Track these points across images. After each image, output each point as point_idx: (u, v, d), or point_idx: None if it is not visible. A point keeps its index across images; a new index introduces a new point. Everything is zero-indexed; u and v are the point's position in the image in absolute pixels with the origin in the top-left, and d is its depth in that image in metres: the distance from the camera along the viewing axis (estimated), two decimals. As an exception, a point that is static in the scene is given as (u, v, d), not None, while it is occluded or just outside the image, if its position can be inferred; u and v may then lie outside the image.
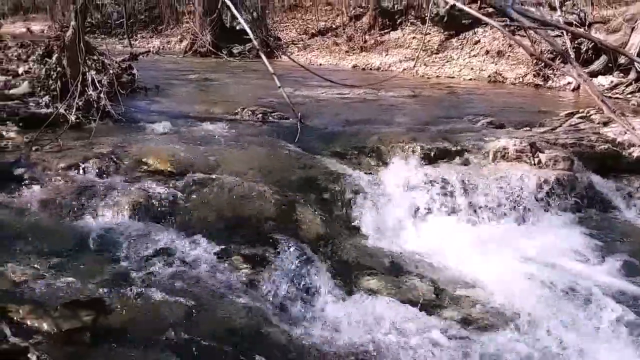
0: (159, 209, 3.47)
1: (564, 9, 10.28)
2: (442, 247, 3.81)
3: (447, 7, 11.83)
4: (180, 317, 2.52)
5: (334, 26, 16.46)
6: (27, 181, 3.54)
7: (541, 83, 9.73)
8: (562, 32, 9.25)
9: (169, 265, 2.87)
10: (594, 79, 8.20)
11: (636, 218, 4.49)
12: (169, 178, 3.84)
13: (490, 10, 11.70)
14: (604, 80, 8.34)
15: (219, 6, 14.25)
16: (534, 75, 9.92)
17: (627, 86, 7.96)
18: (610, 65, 8.51)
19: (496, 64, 11.10)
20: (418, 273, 3.50)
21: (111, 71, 5.85)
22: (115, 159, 3.95)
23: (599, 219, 4.39)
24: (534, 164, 4.66)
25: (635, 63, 7.80)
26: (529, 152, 4.73)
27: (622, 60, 8.31)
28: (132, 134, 4.72)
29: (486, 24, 12.16)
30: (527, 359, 2.68)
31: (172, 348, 2.33)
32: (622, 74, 8.35)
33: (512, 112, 6.75)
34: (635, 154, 4.93)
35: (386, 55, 13.67)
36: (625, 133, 5.09)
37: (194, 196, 3.65)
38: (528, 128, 5.66)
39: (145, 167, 3.92)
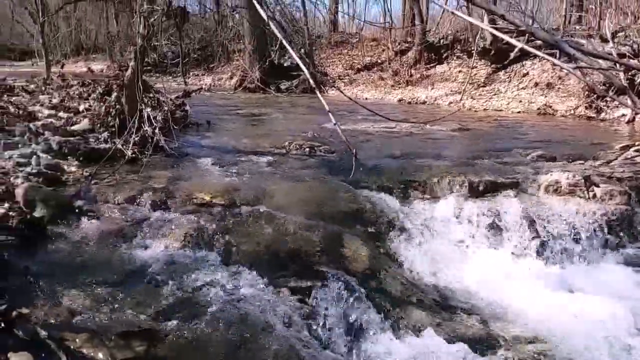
0: (208, 241, 3.54)
1: (616, 40, 10.06)
2: (491, 282, 3.72)
3: (501, 43, 11.77)
4: (228, 349, 2.54)
5: (379, 61, 16.66)
6: (86, 213, 3.70)
7: (594, 115, 9.48)
8: (615, 65, 9.02)
9: (218, 297, 2.91)
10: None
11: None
12: (219, 210, 3.92)
13: (539, 42, 11.60)
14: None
15: (268, 44, 14.71)
16: (586, 107, 9.68)
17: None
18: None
19: (546, 96, 10.90)
20: (467, 309, 3.42)
21: (166, 108, 6.10)
22: (168, 192, 4.08)
23: (660, 256, 4.18)
24: (589, 198, 4.51)
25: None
26: (583, 186, 4.59)
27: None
28: (184, 168, 4.87)
29: (535, 56, 12.04)
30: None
31: (220, 380, 2.35)
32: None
33: (563, 145, 6.59)
34: (697, 188, 4.70)
35: (432, 88, 13.67)
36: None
37: (242, 228, 3.71)
38: (581, 161, 5.51)
39: (196, 199, 4.02)
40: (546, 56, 1.49)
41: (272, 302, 3.01)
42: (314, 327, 2.92)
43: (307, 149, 5.98)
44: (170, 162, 4.99)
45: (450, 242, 4.10)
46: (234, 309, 2.83)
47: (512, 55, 12.01)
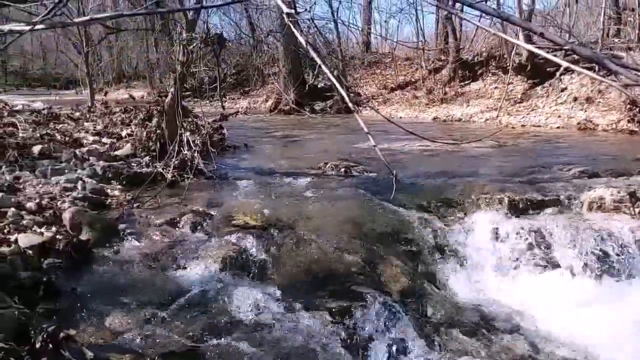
0: (247, 263, 3.58)
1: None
2: (535, 303, 3.63)
3: (538, 59, 11.62)
4: (269, 371, 2.55)
5: (413, 80, 16.65)
6: (128, 236, 3.80)
7: (636, 129, 9.20)
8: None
9: (257, 319, 2.93)
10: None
11: None
12: (257, 232, 3.96)
13: (576, 57, 11.42)
14: None
15: (302, 67, 14.91)
16: (629, 121, 9.41)
17: None
18: None
19: (585, 111, 10.66)
20: (510, 331, 3.34)
21: (204, 132, 6.25)
22: (207, 215, 4.16)
23: None
24: (635, 215, 4.36)
25: None
26: (629, 202, 4.45)
27: None
28: (222, 190, 4.96)
29: (572, 71, 11.81)
30: None
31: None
32: None
33: (606, 161, 6.41)
34: None
35: (467, 106, 13.55)
36: None
37: (280, 250, 3.74)
38: (625, 177, 5.34)
39: (235, 221, 4.08)
40: (591, 74, 1.47)
41: (311, 324, 3.01)
42: (353, 349, 2.90)
43: (343, 169, 5.99)
44: (209, 185, 5.09)
45: (491, 261, 4.03)
46: (273, 330, 2.84)
47: (557, 73, 11.80)
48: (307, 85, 16.06)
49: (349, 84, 16.57)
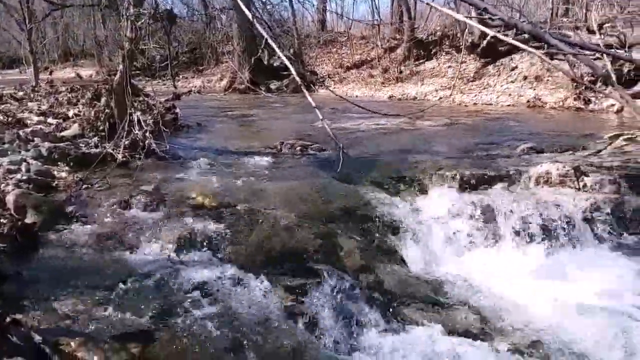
0: (202, 242, 3.53)
1: (602, 31, 10.12)
2: (485, 275, 3.74)
3: (488, 37, 11.81)
4: (224, 348, 2.54)
5: (369, 59, 16.67)
6: (78, 218, 3.69)
7: (582, 106, 9.54)
8: (602, 55, 9.08)
9: (212, 297, 2.91)
10: (637, 100, 7.96)
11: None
12: (212, 212, 3.92)
13: (526, 36, 11.63)
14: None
15: (258, 46, 14.69)
16: (575, 99, 9.73)
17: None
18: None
19: (535, 89, 10.96)
20: (462, 302, 3.43)
21: (155, 111, 6.09)
22: (160, 195, 4.07)
23: (651, 243, 4.22)
24: (579, 189, 4.54)
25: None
26: (573, 177, 4.62)
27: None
28: (175, 170, 4.86)
29: (523, 50, 12.09)
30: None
31: (217, 379, 2.35)
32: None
33: (553, 137, 6.63)
34: (686, 175, 4.75)
35: (422, 84, 13.71)
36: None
37: (236, 229, 3.71)
38: (571, 152, 5.55)
39: (189, 202, 4.02)
40: (530, 49, 1.50)
41: (267, 301, 3.01)
42: (309, 323, 2.92)
43: (299, 148, 5.98)
44: (161, 165, 4.98)
45: (443, 236, 4.12)
46: (229, 309, 2.83)
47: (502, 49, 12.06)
48: (262, 64, 15.84)
49: (305, 62, 16.46)
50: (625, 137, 5.77)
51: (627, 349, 2.91)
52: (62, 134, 5.55)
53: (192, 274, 3.11)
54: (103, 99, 5.73)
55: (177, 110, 7.34)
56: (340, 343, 2.89)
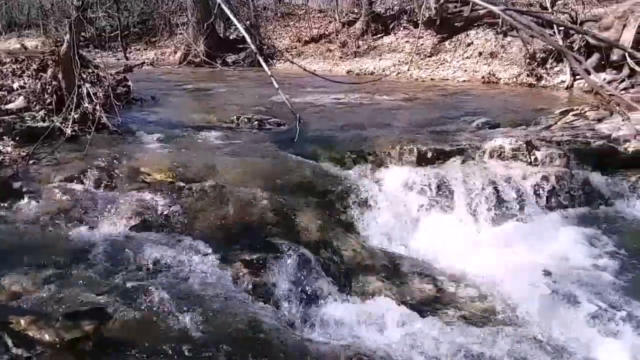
0: (157, 218, 3.47)
1: (555, 8, 10.34)
2: (441, 247, 3.83)
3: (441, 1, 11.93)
4: (183, 325, 2.51)
5: (327, 33, 16.52)
6: (25, 195, 3.55)
7: (535, 82, 9.76)
8: (554, 32, 9.31)
9: (169, 274, 2.87)
10: (591, 76, 8.22)
11: (632, 212, 4.51)
12: (168, 187, 3.84)
13: (482, 11, 11.73)
14: (597, 78, 8.37)
15: (213, 17, 14.32)
16: (528, 75, 9.95)
17: (620, 82, 8.00)
18: (603, 63, 8.55)
19: (489, 65, 11.14)
20: (418, 273, 3.51)
21: (106, 83, 5.86)
22: (112, 170, 3.96)
23: (596, 214, 4.42)
24: (530, 162, 4.68)
25: (628, 59, 7.83)
26: (525, 151, 4.75)
27: (614, 57, 8.34)
28: (129, 145, 4.72)
29: (477, 26, 12.25)
30: (525, 357, 2.68)
31: (175, 356, 2.33)
32: (614, 71, 8.39)
33: (507, 112, 6.78)
34: (630, 149, 4.95)
35: (380, 59, 13.72)
36: (620, 129, 5.13)
37: (192, 205, 3.65)
38: (523, 127, 5.68)
39: (143, 177, 3.92)
40: (492, 8, 1.50)
41: (226, 276, 3.00)
42: (269, 297, 2.93)
43: (257, 123, 5.90)
44: (114, 140, 4.82)
45: (400, 209, 4.17)
46: (186, 284, 2.80)
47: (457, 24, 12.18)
48: (218, 37, 15.47)
49: (263, 36, 16.17)
50: (575, 112, 5.95)
51: (571, 313, 3.05)
52: (7, 107, 5.28)
53: (148, 250, 3.05)
54: (50, 71, 5.46)
55: (130, 83, 7.08)
56: (297, 315, 2.91)
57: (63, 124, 4.64)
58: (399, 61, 13.17)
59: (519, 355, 2.70)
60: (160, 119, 6.02)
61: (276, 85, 1.33)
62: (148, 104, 6.97)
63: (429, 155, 4.72)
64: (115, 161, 4.15)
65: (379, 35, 14.96)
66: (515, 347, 2.76)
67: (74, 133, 4.65)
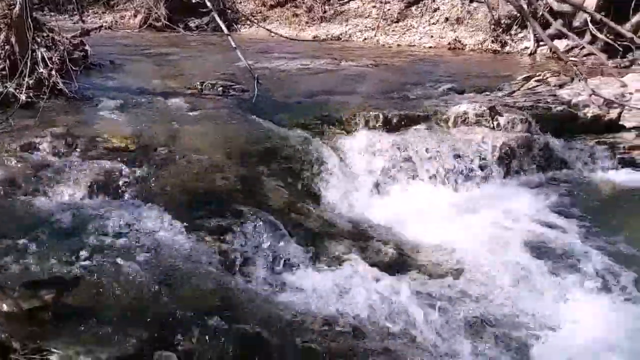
0: (119, 187, 3.40)
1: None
2: (406, 211, 3.88)
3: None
4: (146, 293, 2.50)
5: (293, -3, 16.20)
6: (-23, 163, 3.41)
7: (499, 49, 9.84)
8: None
9: (132, 242, 2.82)
10: (555, 40, 8.31)
11: (591, 176, 4.65)
12: (129, 155, 3.75)
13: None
14: (560, 44, 8.48)
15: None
16: (492, 41, 10.02)
17: (581, 49, 8.13)
18: (566, 28, 8.64)
19: (455, 31, 11.14)
20: (383, 238, 3.55)
21: (62, 48, 5.63)
22: (70, 138, 3.82)
23: (556, 178, 4.55)
24: (493, 128, 4.74)
25: (589, 25, 7.94)
26: (489, 116, 4.81)
27: (576, 23, 8.44)
28: (87, 112, 4.58)
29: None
30: (488, 315, 2.77)
31: (139, 323, 2.31)
32: (577, 37, 8.50)
33: (472, 78, 6.82)
34: (589, 115, 5.07)
35: (346, 25, 13.55)
36: (580, 94, 5.23)
37: (155, 172, 3.58)
38: (487, 93, 5.73)
39: (103, 144, 3.81)
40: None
41: (190, 244, 2.97)
42: (234, 263, 2.92)
43: (221, 89, 5.78)
44: (71, 106, 4.66)
45: (366, 175, 4.19)
46: (149, 252, 2.76)
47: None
48: (181, 0, 14.97)
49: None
50: (537, 78, 6.03)
51: (533, 275, 3.14)
52: (-44, 72, 5.03)
53: (109, 218, 2.99)
54: (2, 34, 5.20)
55: (87, 47, 6.81)
56: (264, 283, 2.91)
57: (17, 90, 4.46)
58: (366, 27, 13.04)
59: (482, 314, 2.79)
60: (120, 85, 5.83)
61: (233, 45, 1.29)
62: (107, 69, 6.73)
63: (394, 121, 4.73)
64: (73, 128, 4.01)
65: (345, 0, 14.76)
66: (478, 306, 2.86)
67: (29, 99, 4.47)
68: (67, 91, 4.82)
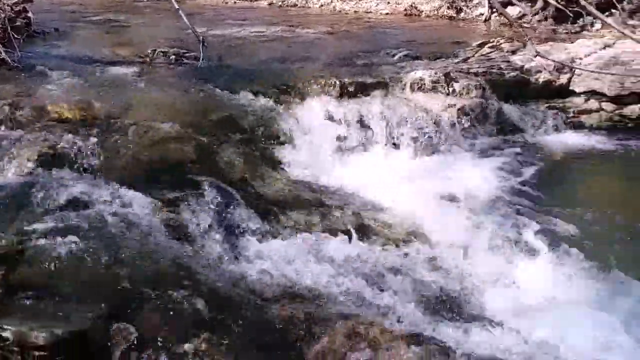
0: (68, 159, 3.28)
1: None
2: (363, 179, 3.90)
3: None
4: (100, 267, 2.44)
5: (247, -38, 15.76)
6: None
7: (455, 15, 9.88)
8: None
9: (84, 215, 2.74)
10: (508, 8, 8.40)
11: (543, 140, 4.80)
12: (78, 126, 3.63)
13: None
14: (512, 11, 8.58)
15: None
16: (448, 7, 10.04)
17: (533, 15, 8.25)
18: (519, -5, 8.75)
19: (405, -3, 11.11)
20: (342, 205, 3.56)
21: (3, 15, 5.36)
22: (13, 109, 3.65)
23: (509, 141, 4.66)
24: (449, 94, 4.80)
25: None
26: (444, 82, 4.85)
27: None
28: (32, 82, 4.37)
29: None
30: (436, 277, 2.85)
31: (95, 297, 2.26)
32: (529, 4, 8.62)
33: (427, 44, 6.84)
34: (541, 80, 5.19)
35: (303, -10, 13.31)
36: (532, 60, 5.33)
37: (106, 143, 3.48)
38: (443, 59, 5.77)
39: (49, 115, 3.67)
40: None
41: (145, 216, 2.91)
42: (190, 236, 2.89)
43: (173, 57, 5.60)
44: (13, 76, 4.45)
45: (322, 143, 4.19)
46: (102, 225, 2.69)
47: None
48: (129, -36, 14.35)
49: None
50: (491, 45, 6.10)
51: (487, 238, 3.22)
52: None
53: (59, 191, 2.89)
54: None
55: (30, 14, 6.47)
56: (222, 253, 2.89)
57: (-47, 59, 4.22)
58: (322, -8, 12.86)
59: (434, 278, 2.86)
60: (66, 54, 5.59)
61: (176, 6, 1.24)
62: (52, 37, 6.42)
63: (351, 88, 4.71)
64: (16, 98, 3.84)
65: (301, -34, 14.46)
66: (432, 267, 2.93)
67: (-33, 69, 4.25)
68: (9, 60, 4.64)
